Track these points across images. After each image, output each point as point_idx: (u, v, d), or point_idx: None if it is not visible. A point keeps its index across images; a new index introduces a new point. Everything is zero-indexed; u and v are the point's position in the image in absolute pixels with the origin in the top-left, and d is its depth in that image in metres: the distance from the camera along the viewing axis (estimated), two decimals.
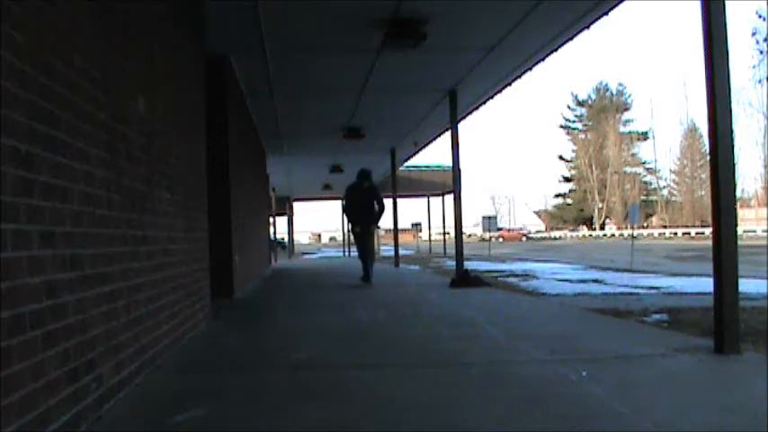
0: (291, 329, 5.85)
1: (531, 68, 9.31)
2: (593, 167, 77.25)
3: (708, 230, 38.30)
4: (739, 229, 5.47)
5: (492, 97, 11.25)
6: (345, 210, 11.48)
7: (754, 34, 50.26)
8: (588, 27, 7.44)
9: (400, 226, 18.40)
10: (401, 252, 19.09)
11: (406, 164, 22.05)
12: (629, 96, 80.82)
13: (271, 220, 25.01)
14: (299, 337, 5.37)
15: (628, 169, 75.37)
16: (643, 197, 71.33)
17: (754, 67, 49.84)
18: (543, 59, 8.81)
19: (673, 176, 74.25)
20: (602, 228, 73.63)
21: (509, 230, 70.62)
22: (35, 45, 2.36)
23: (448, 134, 11.28)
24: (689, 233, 53.52)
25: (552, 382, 3.49)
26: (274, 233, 28.54)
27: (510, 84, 10.23)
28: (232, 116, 8.62)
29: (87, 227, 2.84)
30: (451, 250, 14.38)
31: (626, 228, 58.82)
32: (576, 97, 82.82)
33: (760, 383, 3.28)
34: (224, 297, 7.70)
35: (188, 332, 5.05)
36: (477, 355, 4.37)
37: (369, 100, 11.19)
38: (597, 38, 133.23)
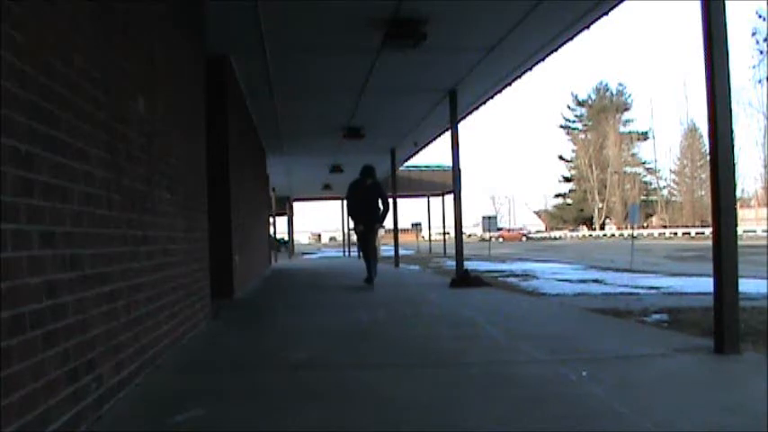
0: (291, 329, 5.85)
1: (531, 68, 9.32)
2: (593, 167, 77.25)
3: (708, 230, 38.31)
4: (739, 229, 5.47)
5: (492, 97, 11.25)
6: (348, 208, 10.94)
7: (754, 34, 50.32)
8: (588, 27, 7.44)
9: (400, 226, 18.40)
10: (401, 252, 19.09)
11: (406, 164, 22.05)
12: (629, 96, 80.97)
13: (271, 220, 25.02)
14: (298, 336, 5.37)
15: (628, 169, 75.37)
16: (643, 197, 71.34)
17: (754, 67, 49.89)
18: (543, 59, 8.81)
19: (673, 176, 74.35)
20: (602, 228, 73.63)
21: (509, 230, 70.61)
22: (35, 45, 2.36)
23: (448, 134, 11.28)
24: (689, 233, 53.52)
25: (552, 382, 3.49)
26: (274, 232, 28.57)
27: (510, 84, 10.23)
28: (232, 116, 8.62)
29: (87, 227, 2.84)
30: (451, 250, 14.38)
31: (626, 228, 58.83)
32: (575, 97, 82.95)
33: (760, 383, 3.28)
34: (224, 297, 7.70)
35: (188, 332, 5.05)
36: (478, 355, 4.37)
37: (369, 100, 11.19)
38: (597, 38, 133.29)
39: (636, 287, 10.88)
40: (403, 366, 4.06)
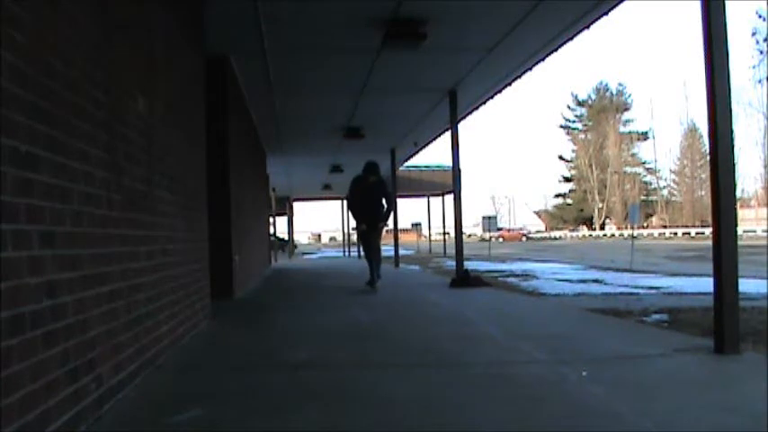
0: (291, 329, 5.85)
1: (531, 68, 9.32)
2: (593, 167, 77.24)
3: (708, 230, 38.30)
4: (739, 229, 5.47)
5: (492, 97, 11.25)
6: (349, 206, 10.27)
7: (754, 34, 50.36)
8: (588, 27, 7.44)
9: (400, 226, 18.40)
10: (401, 252, 19.09)
11: (406, 164, 22.06)
12: (629, 96, 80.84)
13: (271, 220, 25.02)
14: (299, 336, 5.36)
15: (628, 169, 75.36)
16: (643, 197, 71.31)
17: (754, 67, 49.91)
18: (543, 59, 8.81)
19: (673, 176, 74.32)
20: (602, 228, 73.62)
21: (509, 230, 70.60)
22: (35, 45, 2.36)
23: (448, 134, 11.27)
24: (689, 233, 53.52)
25: (552, 382, 3.49)
26: (274, 232, 28.56)
27: (510, 84, 10.23)
28: (232, 116, 8.62)
29: (87, 227, 2.84)
30: (451, 250, 14.38)
31: (626, 228, 58.83)
32: (575, 97, 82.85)
33: (760, 383, 3.28)
34: (224, 297, 7.70)
35: (188, 332, 5.05)
36: (478, 355, 4.37)
37: (369, 100, 11.19)
38: (597, 38, 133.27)
39: (636, 287, 10.88)
40: (403, 366, 4.06)
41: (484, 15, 7.16)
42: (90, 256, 2.86)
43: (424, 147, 17.43)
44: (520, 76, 9.77)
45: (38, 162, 2.35)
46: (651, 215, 72.93)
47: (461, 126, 11.56)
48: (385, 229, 10.36)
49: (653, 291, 10.26)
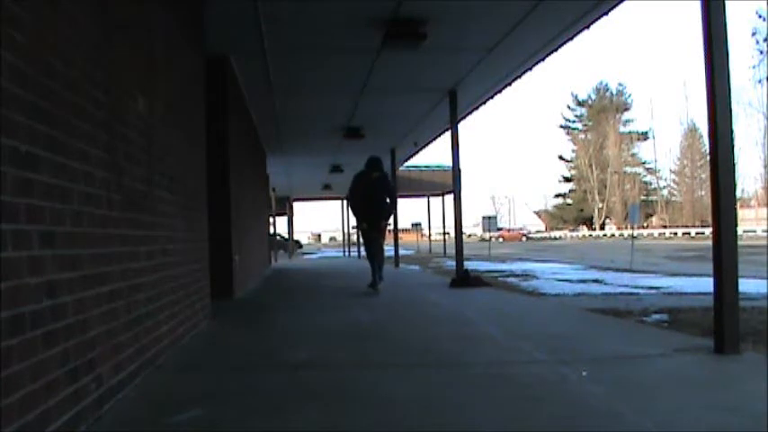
0: (291, 329, 5.85)
1: (531, 68, 9.32)
2: (593, 167, 77.24)
3: (708, 230, 38.29)
4: (739, 229, 5.47)
5: (492, 97, 11.25)
6: (350, 203, 9.66)
7: (754, 34, 50.36)
8: (588, 27, 7.44)
9: (400, 226, 18.40)
10: (401, 252, 19.09)
11: (406, 164, 22.05)
12: (629, 96, 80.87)
13: (271, 220, 25.02)
14: (298, 336, 5.36)
15: (628, 169, 75.36)
16: (643, 197, 71.32)
17: (754, 67, 49.90)
18: (543, 59, 8.81)
19: (673, 176, 74.35)
20: (602, 228, 73.63)
21: (509, 230, 70.60)
22: (35, 45, 2.36)
23: (448, 134, 11.27)
24: (689, 233, 53.51)
25: (552, 382, 3.49)
26: (275, 231, 28.55)
27: (510, 84, 10.23)
28: (232, 116, 8.62)
29: (87, 227, 2.84)
30: (451, 250, 14.38)
31: (626, 228, 58.83)
32: (575, 97, 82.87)
33: (760, 383, 3.28)
34: (224, 297, 7.70)
35: (188, 332, 5.05)
36: (478, 355, 4.37)
37: (369, 100, 11.19)
38: (597, 38, 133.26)
39: (636, 287, 10.88)
40: (403, 366, 4.06)
41: (484, 15, 7.16)
42: (90, 256, 2.86)
43: (424, 147, 17.43)
44: (520, 76, 9.77)
45: (38, 162, 2.35)
46: (651, 215, 72.93)
47: (461, 126, 11.57)
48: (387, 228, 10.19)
49: (653, 291, 10.26)
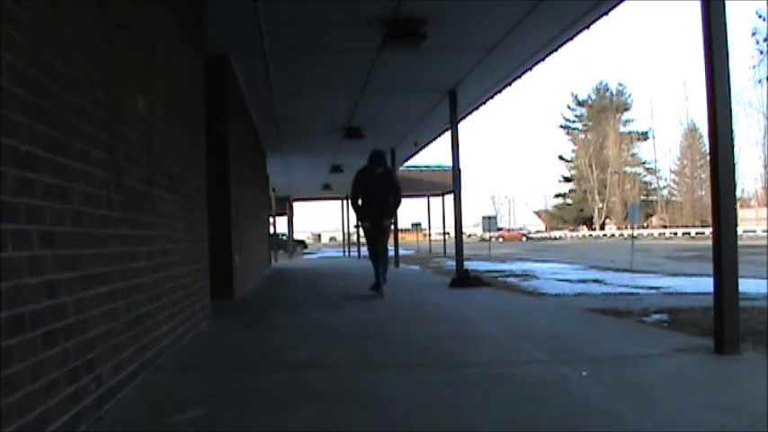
0: (291, 329, 5.85)
1: (531, 68, 9.32)
2: (593, 167, 77.25)
3: (708, 230, 38.30)
4: (739, 229, 5.47)
5: (492, 97, 11.25)
6: (352, 201, 9.00)
7: (754, 34, 50.35)
8: (588, 27, 7.44)
9: (400, 226, 18.40)
10: (401, 252, 19.09)
11: (406, 164, 22.05)
12: (629, 96, 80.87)
13: (271, 220, 25.01)
14: (298, 336, 5.36)
15: (628, 169, 75.36)
16: (643, 197, 71.33)
17: (754, 67, 49.90)
18: (543, 59, 8.81)
19: (673, 176, 74.37)
20: (602, 228, 73.64)
21: (509, 230, 70.60)
22: (35, 45, 2.36)
23: (448, 134, 11.27)
24: (689, 233, 53.53)
25: (552, 382, 3.49)
26: (275, 230, 28.55)
27: (510, 84, 10.23)
28: (232, 116, 8.62)
29: (87, 227, 2.84)
30: (451, 250, 14.38)
31: (626, 228, 58.83)
32: (575, 97, 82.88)
33: (760, 383, 3.28)
34: (224, 297, 7.70)
35: (188, 332, 5.05)
36: (478, 355, 4.37)
37: (369, 100, 11.19)
38: (597, 38, 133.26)
39: (636, 287, 10.88)
40: (403, 366, 4.06)
41: (484, 15, 7.16)
42: (90, 256, 2.86)
43: (424, 147, 17.43)
44: (520, 76, 9.77)
45: (38, 162, 2.35)
46: (651, 215, 72.94)
47: (461, 126, 11.56)
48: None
49: (653, 291, 10.26)
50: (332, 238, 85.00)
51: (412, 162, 22.52)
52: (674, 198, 74.00)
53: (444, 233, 32.42)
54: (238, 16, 6.88)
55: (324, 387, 3.51)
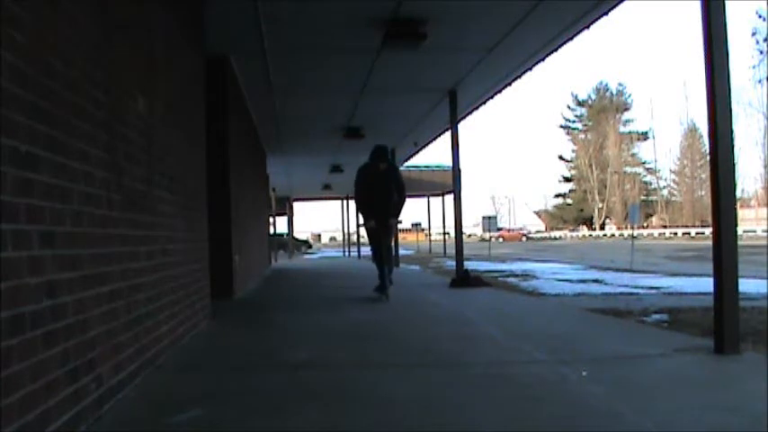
0: (291, 329, 5.85)
1: (531, 68, 9.32)
2: (593, 167, 77.25)
3: (708, 230, 38.28)
4: (739, 229, 5.47)
5: (492, 97, 11.25)
6: (356, 200, 8.63)
7: (754, 34, 50.36)
8: (588, 27, 7.44)
9: (401, 226, 18.40)
10: (401, 252, 19.09)
11: (406, 164, 22.05)
12: (629, 96, 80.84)
13: (271, 220, 25.01)
14: (298, 336, 5.36)
15: (628, 169, 75.36)
16: (643, 197, 71.33)
17: (754, 67, 49.91)
18: (543, 59, 8.81)
19: (673, 176, 74.37)
20: (602, 228, 73.63)
21: (509, 230, 70.59)
22: (35, 45, 2.36)
23: (448, 134, 11.27)
24: (689, 233, 53.52)
25: (552, 382, 3.49)
26: (274, 230, 28.53)
27: (510, 84, 10.23)
28: (232, 116, 8.62)
29: (87, 227, 2.84)
30: (451, 250, 14.38)
31: (626, 228, 58.83)
32: (575, 97, 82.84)
33: (760, 383, 3.28)
34: (224, 297, 7.69)
35: (188, 332, 5.05)
36: (478, 355, 4.37)
37: (369, 100, 11.19)
38: (597, 38, 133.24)
39: (636, 287, 10.87)
40: (403, 366, 4.06)
41: (484, 15, 7.16)
42: (90, 256, 2.86)
43: (424, 147, 17.43)
44: (520, 76, 9.77)
45: (38, 162, 2.35)
46: (651, 215, 72.94)
47: (461, 126, 11.56)
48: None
49: (653, 291, 10.25)
50: (332, 238, 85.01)
51: (412, 162, 22.52)
52: (674, 198, 74.02)
53: (444, 233, 32.42)
54: (238, 16, 6.88)
55: (324, 387, 3.51)
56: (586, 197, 79.44)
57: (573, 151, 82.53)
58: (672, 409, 2.93)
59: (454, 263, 11.22)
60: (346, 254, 32.46)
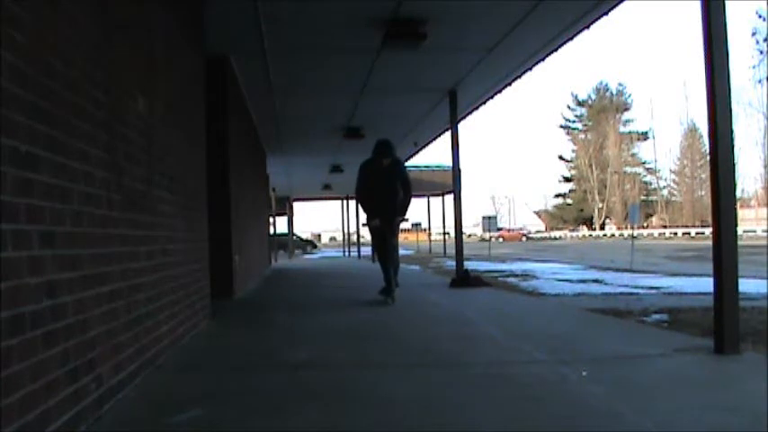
0: (291, 329, 5.85)
1: (531, 68, 9.32)
2: (593, 167, 77.26)
3: (708, 230, 38.29)
4: (739, 229, 5.47)
5: (492, 97, 11.25)
6: (359, 197, 8.18)
7: (754, 34, 50.41)
8: (588, 27, 7.44)
9: (402, 225, 18.37)
10: (401, 252, 19.06)
11: (406, 164, 22.03)
12: (629, 96, 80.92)
13: (271, 219, 25.01)
14: (298, 336, 5.36)
15: (628, 169, 75.39)
16: (643, 197, 71.35)
17: (754, 67, 49.95)
18: (543, 59, 8.81)
19: (673, 176, 74.41)
20: (602, 228, 73.65)
21: (509, 230, 70.61)
22: (35, 45, 2.36)
23: (448, 134, 11.27)
24: (689, 233, 53.53)
25: (552, 382, 3.49)
26: (274, 230, 28.52)
27: (510, 84, 10.23)
28: (232, 116, 8.62)
29: (87, 227, 2.84)
30: (451, 250, 14.37)
31: (626, 228, 58.84)
32: (575, 97, 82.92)
33: (760, 383, 3.27)
34: (224, 297, 7.69)
35: (188, 332, 5.05)
36: (478, 355, 4.37)
37: (369, 100, 11.19)
38: (597, 38, 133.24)
39: (636, 287, 10.87)
40: (403, 366, 4.06)
41: (484, 15, 7.16)
42: (90, 256, 2.86)
43: (424, 147, 17.43)
44: (520, 76, 9.77)
45: (38, 162, 2.35)
46: (651, 215, 72.96)
47: (461, 126, 11.56)
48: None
49: (653, 291, 10.25)
50: (332, 238, 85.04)
51: (412, 162, 22.51)
52: (674, 198, 74.05)
53: (444, 233, 32.41)
54: (238, 16, 6.88)
55: (324, 387, 3.51)
56: (586, 197, 79.45)
57: (573, 151, 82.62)
58: (672, 409, 2.93)
59: (454, 263, 11.22)
60: (346, 254, 32.44)
